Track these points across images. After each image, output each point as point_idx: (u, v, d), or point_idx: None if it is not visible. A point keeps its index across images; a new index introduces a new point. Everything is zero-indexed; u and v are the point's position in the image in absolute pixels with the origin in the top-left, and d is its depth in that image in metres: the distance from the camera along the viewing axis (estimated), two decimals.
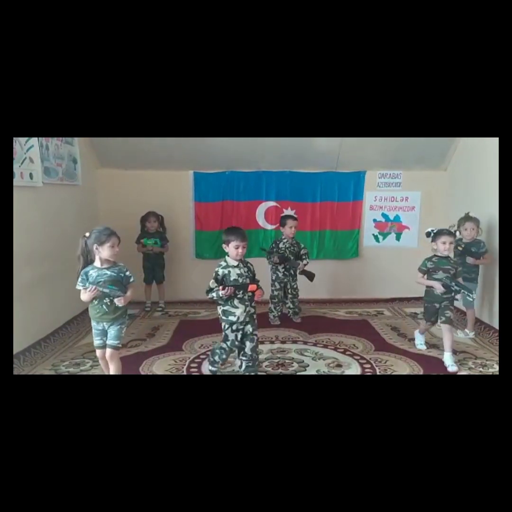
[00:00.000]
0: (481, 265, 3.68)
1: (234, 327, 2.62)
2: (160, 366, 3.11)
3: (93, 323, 2.58)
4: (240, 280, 2.59)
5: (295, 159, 4.53)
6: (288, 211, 4.63)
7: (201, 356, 3.29)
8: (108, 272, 2.48)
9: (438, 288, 3.08)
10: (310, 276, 4.02)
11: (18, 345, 2.97)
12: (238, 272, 2.61)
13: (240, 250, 2.59)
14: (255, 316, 2.69)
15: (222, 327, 2.66)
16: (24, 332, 3.07)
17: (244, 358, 2.68)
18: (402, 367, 3.11)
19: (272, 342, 3.60)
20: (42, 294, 3.37)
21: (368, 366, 3.14)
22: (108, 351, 2.60)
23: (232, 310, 2.60)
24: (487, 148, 3.86)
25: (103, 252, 2.45)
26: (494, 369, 3.10)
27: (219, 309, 2.65)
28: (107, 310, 2.51)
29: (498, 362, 3.21)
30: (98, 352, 2.65)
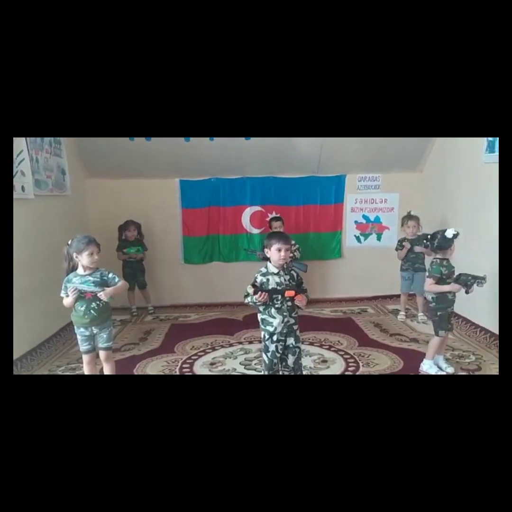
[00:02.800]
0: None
1: (274, 338, 2.45)
2: (153, 368, 3.24)
3: (80, 329, 2.66)
4: (279, 288, 2.40)
5: (278, 165, 4.69)
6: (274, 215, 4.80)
7: (193, 357, 3.43)
8: (91, 278, 2.58)
9: (457, 289, 2.88)
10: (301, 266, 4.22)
11: (15, 352, 3.07)
12: (278, 280, 2.40)
13: (282, 253, 2.37)
14: (295, 327, 2.49)
15: (262, 337, 2.52)
16: (19, 340, 3.17)
17: (286, 370, 2.55)
18: (384, 361, 3.29)
19: (260, 342, 3.73)
20: (36, 303, 3.47)
21: (352, 361, 3.31)
22: (104, 353, 2.72)
23: (269, 319, 2.43)
24: (460, 149, 4.08)
25: (82, 260, 2.55)
26: (471, 359, 3.29)
27: (259, 317, 2.52)
28: (96, 314, 2.61)
29: (474, 352, 3.40)
30: (87, 357, 2.71)
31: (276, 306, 2.41)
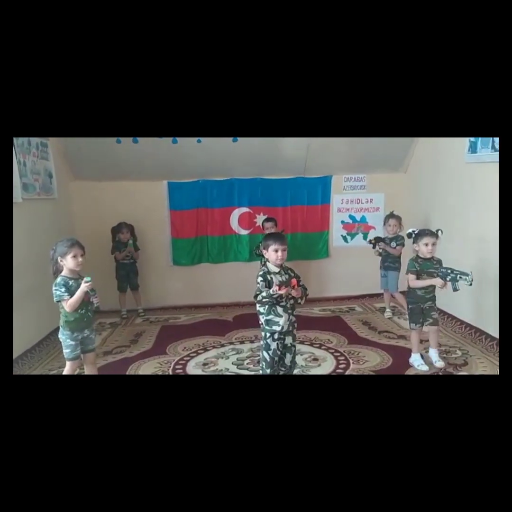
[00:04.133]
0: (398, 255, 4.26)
1: (276, 336, 2.50)
2: (146, 369, 3.26)
3: (74, 335, 2.60)
4: (285, 280, 2.45)
5: (265, 167, 4.73)
6: (261, 217, 4.87)
7: (185, 358, 3.45)
8: (79, 282, 2.58)
9: (440, 284, 2.90)
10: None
11: None
12: (280, 279, 2.46)
13: (279, 253, 2.45)
14: (296, 325, 2.59)
15: (263, 336, 2.55)
16: None
17: (282, 368, 2.60)
18: (373, 358, 3.36)
19: (251, 342, 3.79)
20: (26, 306, 3.45)
21: (342, 358, 3.37)
22: (93, 355, 2.76)
23: (276, 319, 2.47)
24: (442, 150, 4.18)
25: (67, 263, 2.54)
26: (457, 354, 3.38)
27: (262, 319, 2.53)
28: (91, 316, 2.66)
29: (460, 348, 3.50)
30: (75, 364, 2.65)
31: (282, 304, 2.46)
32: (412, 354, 3.22)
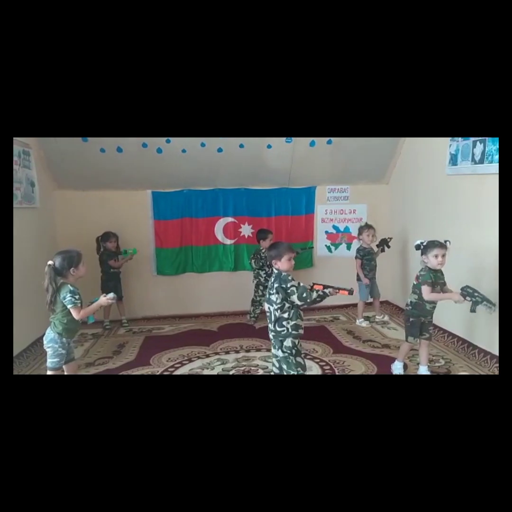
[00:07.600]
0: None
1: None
2: None
3: (68, 340, 2.62)
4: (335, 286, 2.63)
5: (249, 177, 4.75)
6: (246, 227, 4.91)
7: (170, 369, 3.41)
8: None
9: (459, 299, 2.78)
10: None
11: None
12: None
13: (292, 261, 2.51)
14: None
15: (291, 344, 2.46)
16: None
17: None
18: (358, 367, 3.37)
19: (237, 352, 3.77)
20: None
21: (328, 367, 3.37)
22: (75, 364, 2.76)
23: (300, 322, 2.50)
24: (422, 163, 4.27)
25: (80, 272, 2.59)
26: (440, 363, 3.42)
27: (288, 324, 2.44)
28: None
29: (443, 357, 3.54)
30: (54, 372, 2.62)
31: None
32: (396, 361, 3.24)
